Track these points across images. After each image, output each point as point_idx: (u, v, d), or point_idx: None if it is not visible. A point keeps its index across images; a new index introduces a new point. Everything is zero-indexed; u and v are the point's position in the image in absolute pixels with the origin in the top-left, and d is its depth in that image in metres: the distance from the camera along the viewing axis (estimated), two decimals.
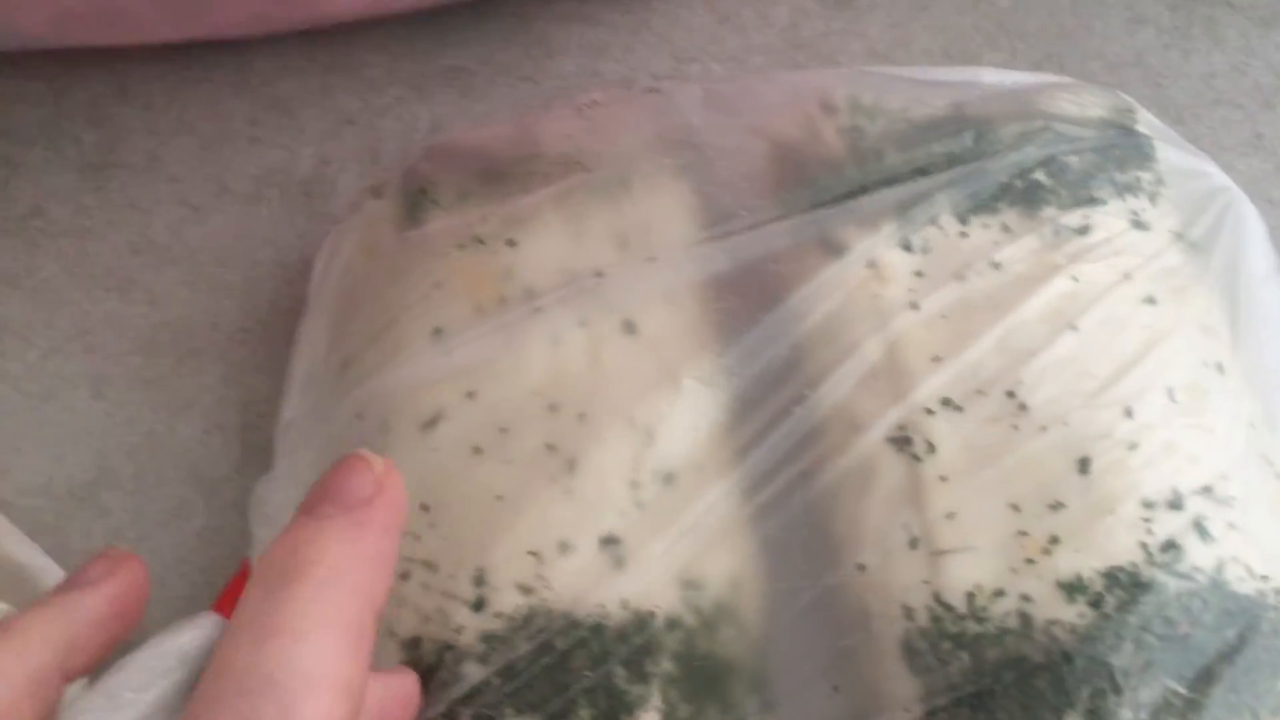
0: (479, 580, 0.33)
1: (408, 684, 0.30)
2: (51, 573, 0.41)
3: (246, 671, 0.21)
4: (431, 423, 0.35)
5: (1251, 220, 0.39)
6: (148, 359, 0.47)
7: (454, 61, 0.52)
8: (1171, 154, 0.39)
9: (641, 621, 0.32)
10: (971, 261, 0.36)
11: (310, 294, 0.42)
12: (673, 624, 0.32)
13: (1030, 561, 0.32)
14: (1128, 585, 0.31)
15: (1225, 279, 0.37)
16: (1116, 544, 0.31)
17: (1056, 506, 0.32)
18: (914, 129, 0.38)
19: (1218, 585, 0.31)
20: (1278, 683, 0.31)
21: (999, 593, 0.31)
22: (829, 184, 0.37)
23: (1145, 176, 0.38)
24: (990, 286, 0.35)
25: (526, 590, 0.33)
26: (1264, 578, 0.32)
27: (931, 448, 0.33)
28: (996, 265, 0.36)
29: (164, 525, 0.44)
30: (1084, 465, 0.32)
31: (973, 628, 0.31)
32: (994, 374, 0.34)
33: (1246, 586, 0.31)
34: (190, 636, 0.40)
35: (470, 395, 0.35)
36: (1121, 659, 0.30)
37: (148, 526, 0.44)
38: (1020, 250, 0.36)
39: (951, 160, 0.37)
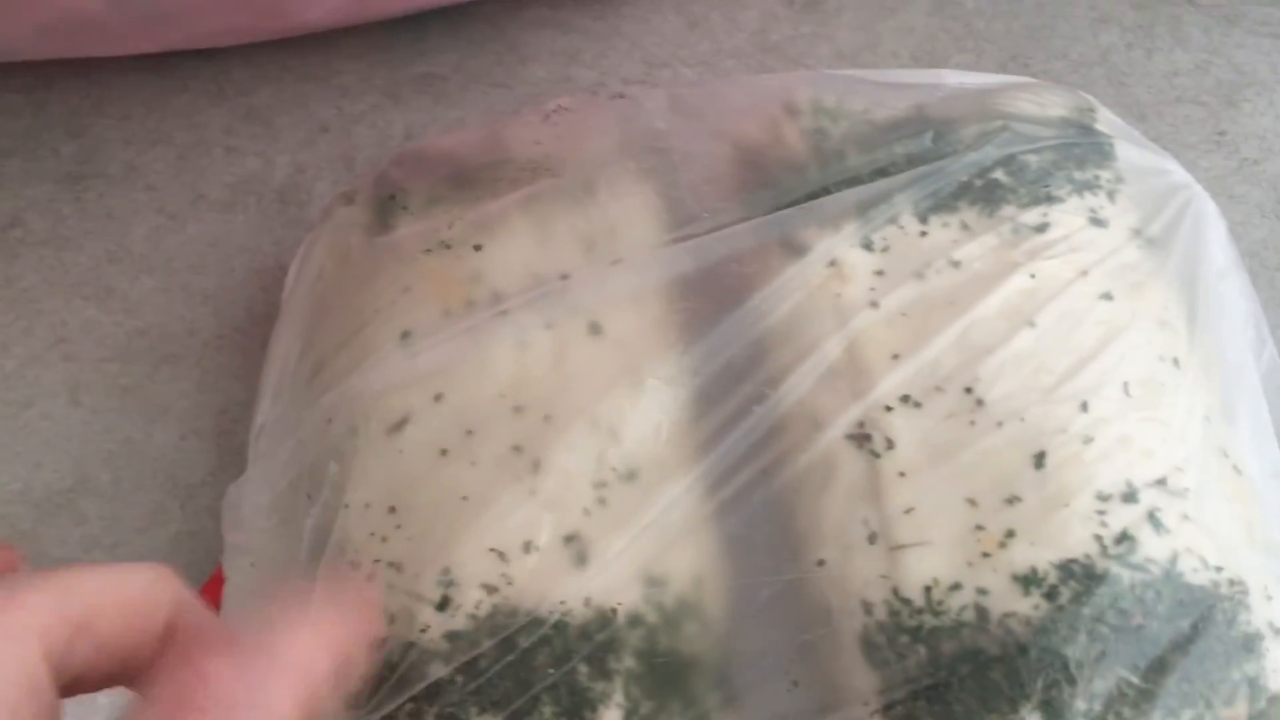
0: (444, 580, 0.33)
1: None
2: None
3: None
4: (399, 426, 0.36)
5: (1211, 216, 0.39)
6: (125, 366, 0.48)
7: (427, 69, 0.52)
8: (1131, 152, 0.39)
9: (604, 619, 0.33)
10: (931, 260, 0.36)
11: (283, 300, 0.43)
12: (635, 621, 0.33)
13: (986, 555, 0.32)
14: (1082, 577, 0.31)
15: (1184, 274, 0.37)
16: (1071, 537, 0.32)
17: (1012, 500, 0.32)
18: (876, 130, 0.39)
19: (1171, 576, 0.32)
20: (1231, 672, 0.31)
21: (955, 586, 0.32)
22: (791, 185, 0.38)
23: (1104, 174, 0.38)
24: (949, 284, 0.36)
25: (490, 589, 0.33)
26: (1218, 569, 0.32)
27: (890, 444, 0.34)
28: (956, 263, 0.36)
29: (141, 531, 0.45)
30: (1040, 460, 0.33)
31: (930, 621, 0.32)
32: (952, 370, 0.34)
33: (1200, 577, 0.32)
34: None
35: (437, 398, 0.36)
36: (1076, 650, 0.31)
37: (124, 532, 0.45)
38: (979, 248, 0.36)
39: (912, 160, 0.38)
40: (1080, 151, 0.39)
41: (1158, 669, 0.31)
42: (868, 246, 0.37)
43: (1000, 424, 0.33)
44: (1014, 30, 0.51)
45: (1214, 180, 0.47)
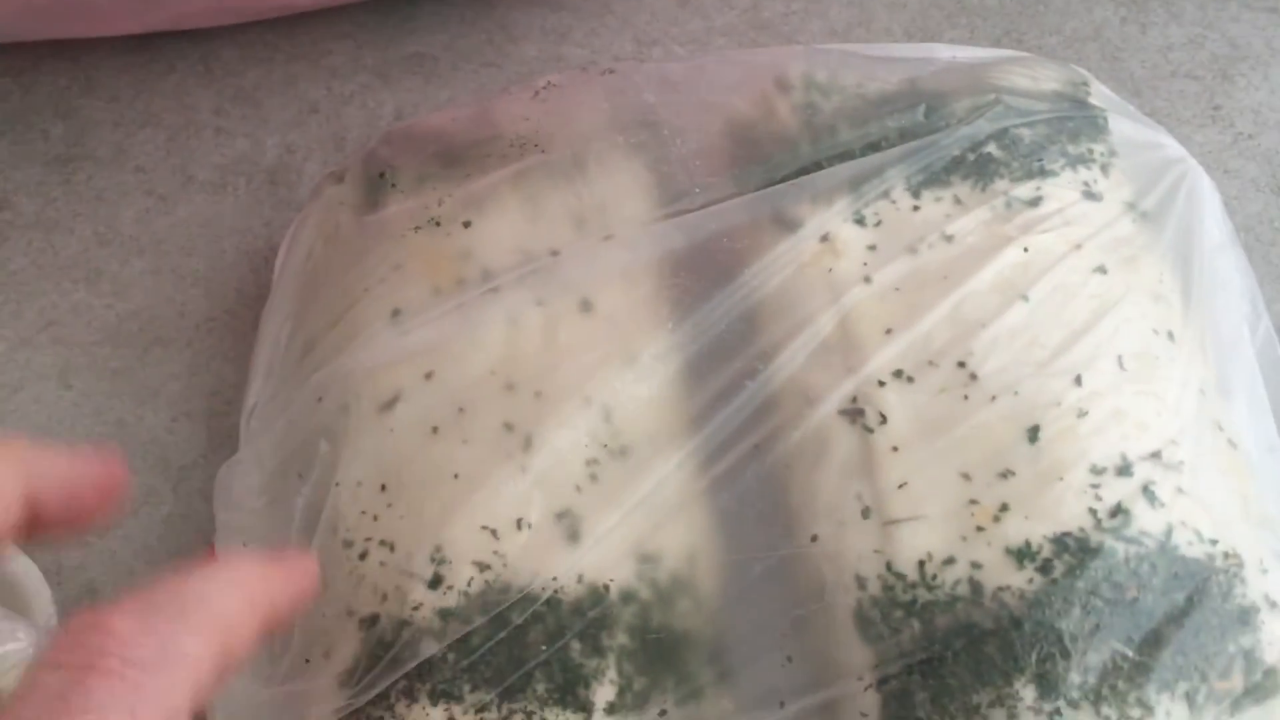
0: (436, 558, 0.33)
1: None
2: (19, 560, 0.42)
3: None
4: (390, 404, 0.36)
5: (1206, 190, 0.39)
6: (115, 349, 0.47)
7: (417, 49, 0.52)
8: (1125, 126, 0.39)
9: (596, 595, 0.32)
10: (924, 234, 0.36)
11: (273, 280, 0.42)
12: (628, 597, 0.33)
13: (980, 529, 0.32)
14: (1076, 551, 0.31)
15: (1179, 248, 0.37)
16: (1065, 510, 0.32)
17: (1006, 474, 0.32)
18: (867, 104, 0.38)
19: (1166, 549, 0.31)
20: (1226, 645, 0.31)
21: (949, 560, 0.32)
22: (783, 161, 0.38)
23: (1097, 148, 0.38)
24: (942, 259, 0.35)
25: (483, 566, 0.33)
26: (1213, 541, 0.32)
27: (883, 419, 0.33)
28: (948, 237, 0.36)
29: (132, 513, 0.45)
30: (1034, 433, 0.33)
31: (924, 596, 0.31)
32: (945, 345, 0.34)
33: (1195, 550, 0.32)
34: None
35: (428, 376, 0.36)
36: (1070, 623, 0.30)
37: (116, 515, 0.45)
38: (972, 222, 0.36)
39: (904, 134, 0.38)
40: (1074, 125, 0.38)
41: (1152, 642, 0.31)
42: (860, 221, 0.36)
43: (994, 398, 0.33)
44: (1007, 5, 0.51)
45: (1208, 155, 0.47)
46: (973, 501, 0.32)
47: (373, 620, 0.33)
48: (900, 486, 0.33)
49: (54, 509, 0.23)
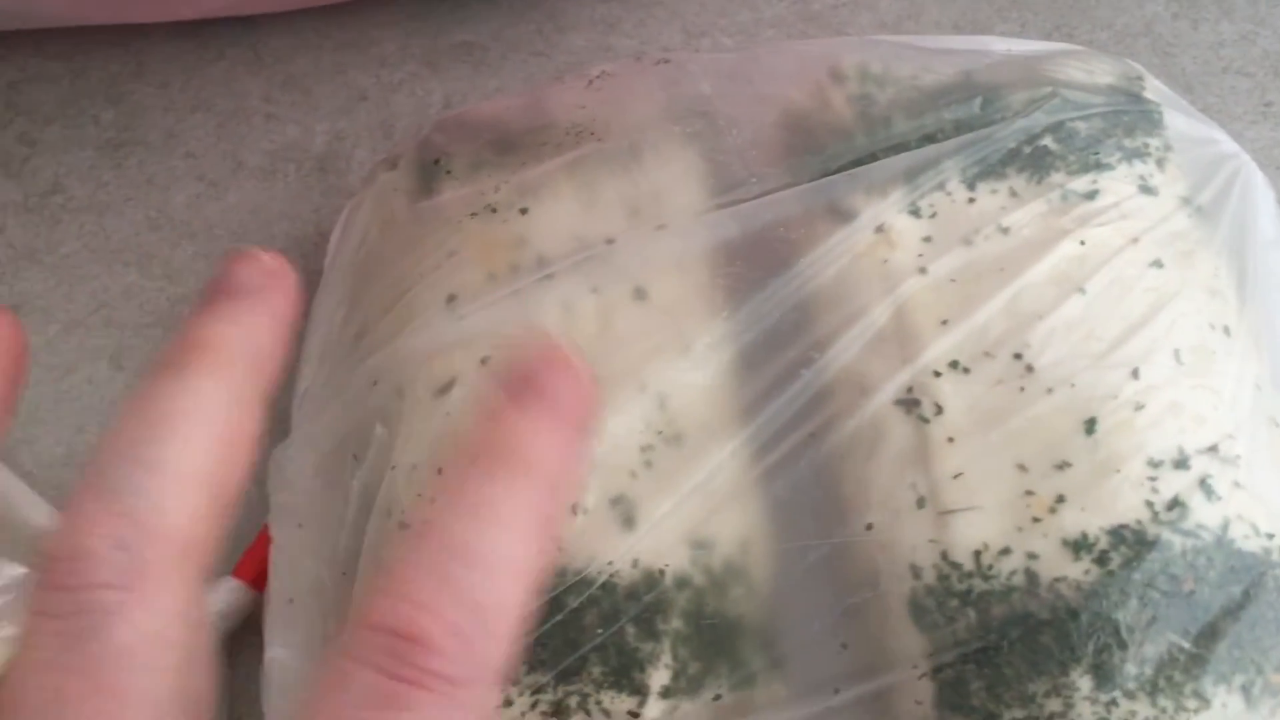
0: None
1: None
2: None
3: (467, 547, 0.21)
4: (445, 388, 0.36)
5: (1260, 186, 0.39)
6: (167, 332, 0.48)
7: (466, 37, 0.52)
8: (1180, 120, 0.39)
9: (651, 580, 0.33)
10: (979, 226, 0.36)
11: (325, 266, 0.43)
12: (682, 582, 0.33)
13: (1036, 520, 0.32)
14: (1133, 543, 0.31)
15: (1233, 243, 0.37)
16: (1122, 502, 0.32)
17: (1063, 466, 0.32)
18: (923, 96, 0.39)
19: (1223, 543, 0.32)
20: None
21: (1005, 551, 0.32)
22: (838, 151, 0.38)
23: (1153, 143, 0.38)
24: (998, 251, 0.36)
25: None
26: (1269, 535, 0.32)
27: (939, 409, 0.34)
28: (1004, 230, 0.36)
29: None
30: (1090, 426, 0.33)
31: (979, 585, 0.32)
32: (1001, 336, 0.34)
33: (1252, 544, 0.32)
34: (209, 600, 0.40)
35: (484, 361, 0.36)
36: (1126, 615, 0.31)
37: None
38: (1028, 215, 0.36)
39: (960, 127, 0.38)
40: (1129, 119, 0.38)
41: (1209, 634, 0.31)
42: (915, 213, 0.37)
43: (1050, 390, 0.33)
44: (1058, 0, 0.50)
45: (1261, 151, 0.47)
46: (1029, 493, 0.32)
47: None
48: (955, 477, 0.33)
49: None
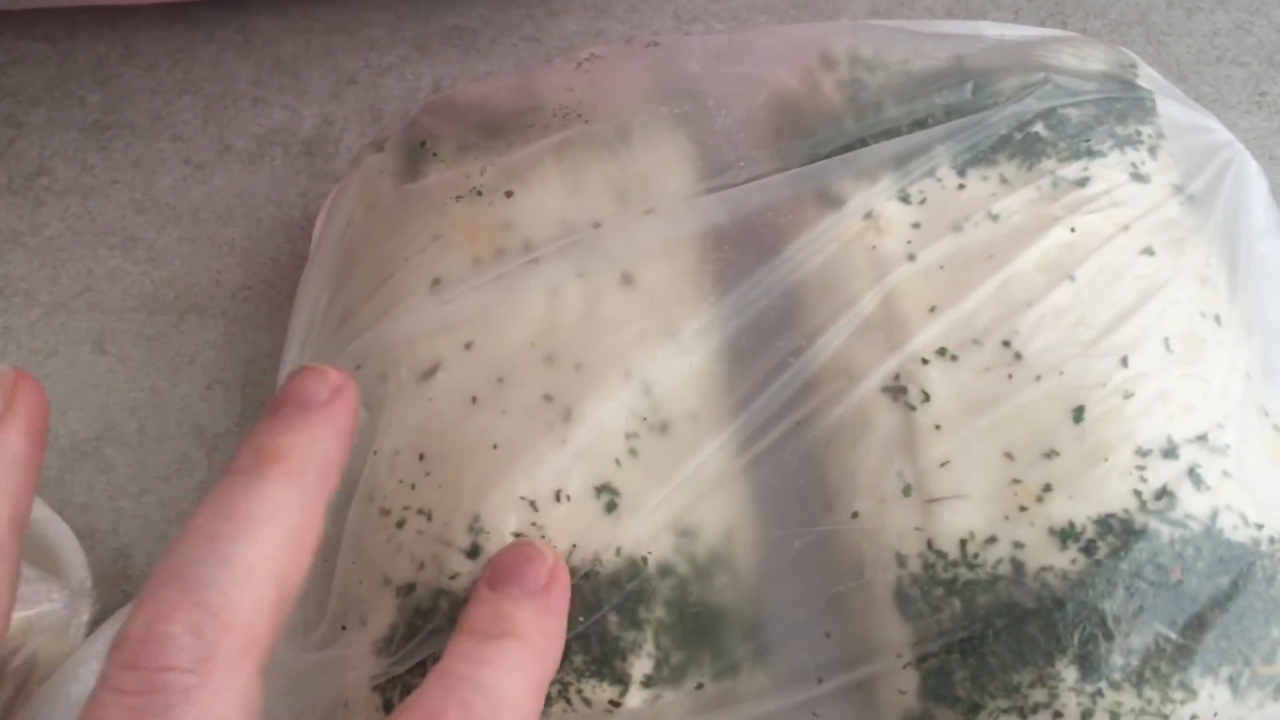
0: (474, 528, 0.33)
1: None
2: (55, 525, 0.42)
3: (465, 678, 0.26)
4: (429, 373, 0.35)
5: (1253, 176, 0.38)
6: (150, 316, 0.47)
7: (456, 21, 0.52)
8: (1173, 108, 0.39)
9: (634, 568, 0.32)
10: (969, 213, 0.36)
11: (311, 249, 0.42)
12: (665, 571, 0.33)
13: (1023, 509, 0.32)
14: (1120, 532, 0.31)
15: (1225, 232, 0.37)
16: (1110, 491, 0.31)
17: (1050, 454, 0.32)
18: (914, 81, 0.38)
19: (1211, 533, 0.31)
20: (1271, 630, 0.31)
21: (991, 539, 0.31)
22: (828, 136, 0.37)
23: (1145, 130, 0.38)
24: (987, 237, 0.35)
25: (521, 537, 0.33)
26: (1258, 526, 0.32)
27: (926, 397, 0.33)
28: (994, 217, 0.35)
29: (166, 480, 0.45)
30: (1078, 414, 0.32)
31: (965, 574, 0.31)
32: (990, 324, 0.34)
33: (1240, 534, 0.31)
34: None
35: (468, 346, 0.36)
36: (1113, 605, 0.30)
37: (150, 481, 0.45)
38: (1018, 202, 0.36)
39: (950, 112, 0.37)
40: (1122, 106, 0.38)
41: (1196, 625, 0.30)
42: (905, 199, 0.36)
43: (1038, 378, 0.33)
44: None
45: (1255, 141, 0.47)
46: (1016, 481, 0.32)
47: (409, 589, 0.33)
48: (942, 465, 0.32)
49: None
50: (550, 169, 0.38)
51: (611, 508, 0.33)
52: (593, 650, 0.32)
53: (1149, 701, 0.30)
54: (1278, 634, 0.31)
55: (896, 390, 0.34)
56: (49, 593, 0.39)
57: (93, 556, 0.42)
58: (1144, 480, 0.31)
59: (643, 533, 0.33)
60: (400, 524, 0.34)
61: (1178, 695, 0.30)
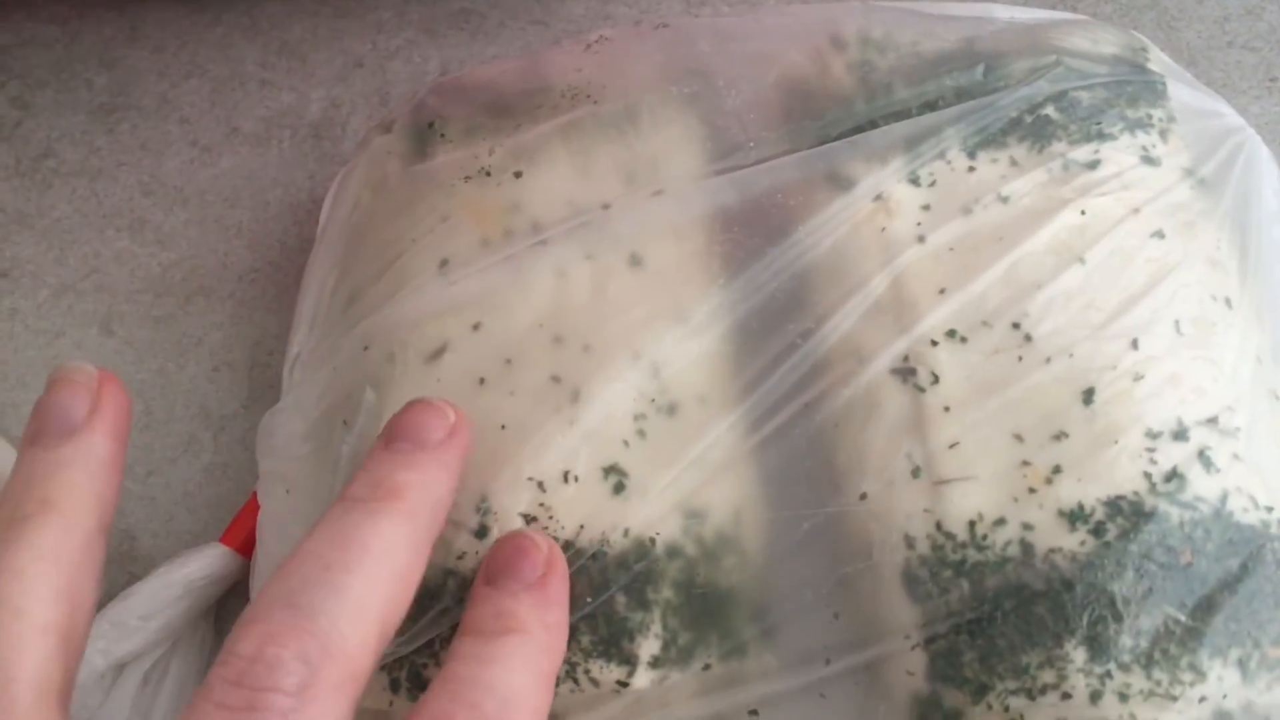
0: (481, 508, 0.33)
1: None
2: None
3: (472, 679, 0.26)
4: (437, 354, 0.35)
5: (1264, 160, 0.38)
6: (157, 298, 0.47)
7: (464, 5, 0.52)
8: (1184, 92, 0.39)
9: (642, 549, 0.32)
10: (979, 195, 0.36)
11: (318, 230, 0.42)
12: (673, 552, 0.33)
13: (1032, 491, 0.31)
14: (1130, 514, 0.31)
15: (1236, 216, 0.37)
16: (1119, 473, 0.31)
17: (1060, 436, 0.32)
18: (924, 63, 0.38)
19: (1221, 515, 0.31)
20: (1279, 612, 0.31)
21: (1000, 521, 0.31)
22: (837, 118, 0.37)
23: (1156, 113, 0.38)
24: (997, 220, 0.35)
25: (528, 518, 0.33)
26: (1268, 508, 0.32)
27: (935, 378, 0.33)
28: (1004, 199, 0.35)
29: (173, 461, 0.45)
30: (1088, 396, 0.32)
31: (973, 556, 0.31)
32: (999, 306, 0.34)
33: (1250, 517, 0.31)
34: (196, 566, 0.40)
35: (476, 327, 0.35)
36: (1122, 586, 0.30)
37: (157, 462, 0.45)
38: (1028, 184, 0.35)
39: (961, 94, 0.37)
40: (1133, 89, 0.38)
41: (1206, 607, 0.30)
42: (915, 181, 0.36)
43: (1048, 360, 0.33)
44: None
45: (1265, 126, 0.46)
46: (1025, 463, 0.32)
47: None
48: (951, 446, 0.32)
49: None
50: (559, 150, 0.38)
51: (619, 489, 0.33)
52: (600, 631, 0.32)
53: (1158, 683, 0.30)
54: None
55: (906, 372, 0.33)
56: None
57: None
58: (1154, 462, 0.31)
59: (651, 514, 0.33)
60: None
61: (1187, 677, 0.30)
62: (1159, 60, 0.40)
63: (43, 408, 0.26)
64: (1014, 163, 0.36)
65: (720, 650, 0.32)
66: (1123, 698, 0.30)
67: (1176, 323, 0.33)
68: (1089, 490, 0.31)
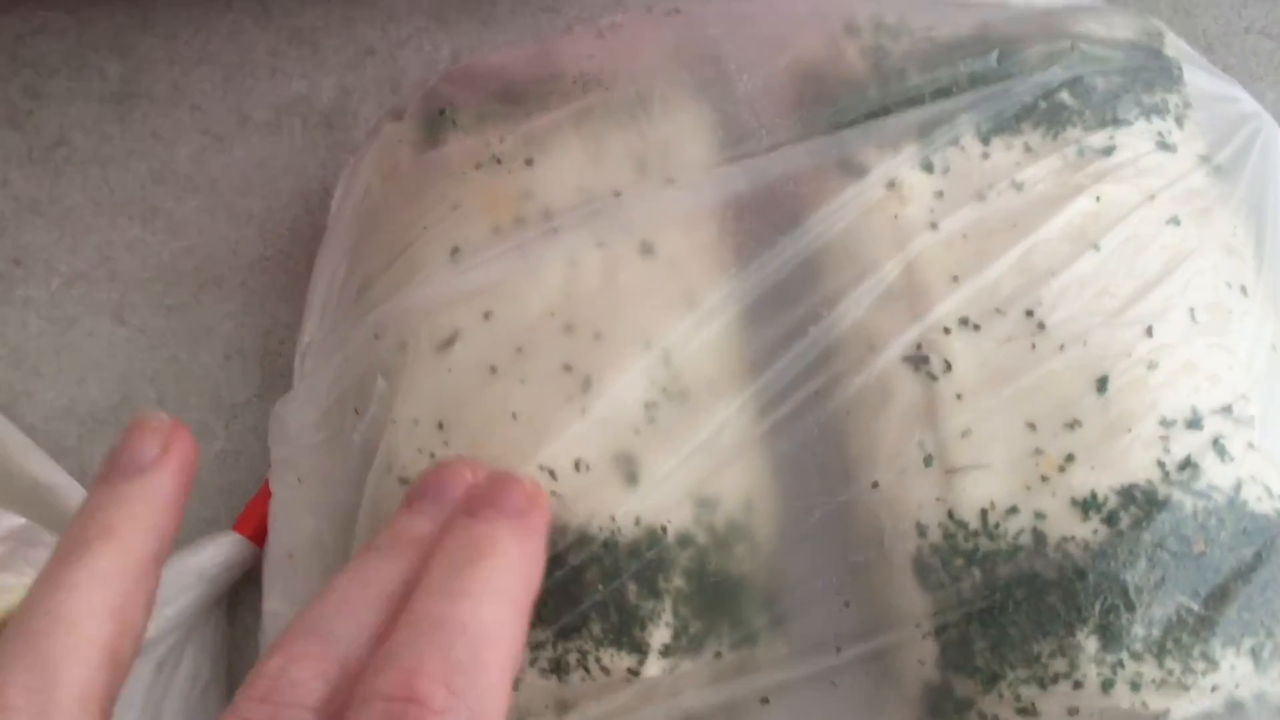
0: None
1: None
2: (74, 492, 0.42)
3: (441, 619, 0.25)
4: (448, 342, 0.35)
5: None
6: (170, 286, 0.47)
7: None
8: (1200, 78, 0.38)
9: (653, 537, 0.32)
10: (993, 182, 0.35)
11: (330, 218, 0.42)
12: (684, 540, 0.32)
13: (1045, 479, 0.31)
14: (1143, 503, 0.31)
15: (1252, 203, 0.36)
16: (1133, 462, 0.31)
17: (1073, 425, 0.32)
18: (938, 49, 0.38)
19: (1235, 504, 0.31)
20: None
21: (1013, 510, 0.31)
22: (850, 104, 0.37)
23: (1172, 99, 0.37)
24: (1011, 206, 0.35)
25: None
26: None
27: (948, 366, 0.33)
28: (1018, 185, 0.35)
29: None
30: (1102, 384, 0.32)
31: (985, 544, 0.31)
32: (1013, 293, 0.33)
33: (1264, 506, 0.31)
34: (210, 554, 0.40)
35: (487, 315, 0.35)
36: (1135, 575, 0.30)
37: None
38: (1042, 170, 0.35)
39: (975, 80, 0.37)
40: (1148, 75, 0.37)
41: (1219, 596, 0.30)
42: (928, 168, 0.36)
43: (1062, 347, 0.33)
44: None
45: None
46: (1038, 451, 0.32)
47: None
48: (964, 435, 0.32)
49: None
50: (570, 137, 0.38)
51: (631, 477, 0.33)
52: (611, 619, 0.32)
53: (1170, 672, 0.30)
54: None
55: (918, 359, 0.33)
56: None
57: None
58: (1167, 451, 0.31)
59: (662, 502, 0.33)
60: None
61: (1199, 666, 0.30)
62: (1175, 45, 0.40)
63: (116, 450, 0.28)
64: (1028, 149, 0.36)
65: (731, 638, 0.32)
66: (1135, 686, 0.30)
67: (1191, 310, 0.33)
68: (1102, 479, 0.31)
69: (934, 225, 0.35)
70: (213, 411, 0.45)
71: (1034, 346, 0.33)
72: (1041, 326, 0.33)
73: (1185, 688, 0.30)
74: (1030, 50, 0.37)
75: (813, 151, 0.36)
